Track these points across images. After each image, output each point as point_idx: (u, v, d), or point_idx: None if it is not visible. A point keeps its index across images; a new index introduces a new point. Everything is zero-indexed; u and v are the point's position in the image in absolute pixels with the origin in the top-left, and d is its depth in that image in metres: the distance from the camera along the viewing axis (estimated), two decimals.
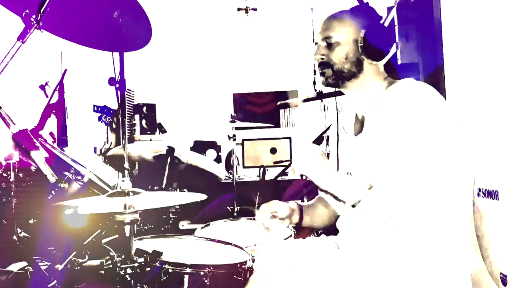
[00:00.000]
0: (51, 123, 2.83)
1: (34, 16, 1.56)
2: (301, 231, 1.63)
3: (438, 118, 1.23)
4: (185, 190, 2.94)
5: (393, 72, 1.44)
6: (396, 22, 2.45)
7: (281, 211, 1.60)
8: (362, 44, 1.38)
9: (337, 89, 1.47)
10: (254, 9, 4.32)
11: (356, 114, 1.50)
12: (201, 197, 1.43)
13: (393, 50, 1.44)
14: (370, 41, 1.38)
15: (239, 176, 4.36)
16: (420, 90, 1.29)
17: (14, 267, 1.80)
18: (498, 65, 1.60)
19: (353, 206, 1.27)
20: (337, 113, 1.59)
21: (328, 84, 1.45)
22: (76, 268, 1.70)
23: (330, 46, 1.41)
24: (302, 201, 1.83)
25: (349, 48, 1.39)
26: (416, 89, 1.30)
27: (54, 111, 2.78)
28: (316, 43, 1.45)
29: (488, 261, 1.69)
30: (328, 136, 3.77)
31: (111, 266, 1.30)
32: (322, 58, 1.42)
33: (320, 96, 3.97)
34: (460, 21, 1.85)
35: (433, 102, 1.26)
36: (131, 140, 4.08)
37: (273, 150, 4.53)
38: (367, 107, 1.44)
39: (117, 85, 2.04)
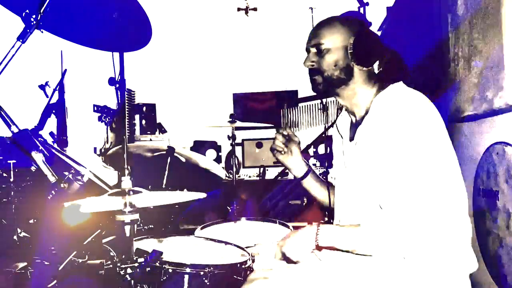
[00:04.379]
0: (51, 123, 2.83)
1: (34, 16, 1.57)
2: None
3: (428, 123, 1.25)
4: (185, 189, 2.94)
5: (388, 76, 1.44)
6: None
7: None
8: (351, 51, 1.38)
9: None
10: (254, 9, 4.32)
11: (351, 120, 1.51)
12: (200, 195, 1.43)
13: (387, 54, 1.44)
14: (360, 48, 1.38)
15: (239, 176, 4.36)
16: (408, 97, 1.30)
17: (14, 267, 1.80)
18: None
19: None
20: (336, 118, 1.61)
21: (318, 91, 1.46)
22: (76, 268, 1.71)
23: (320, 53, 1.42)
24: (302, 201, 1.83)
25: (339, 55, 1.40)
26: (404, 96, 1.31)
27: (54, 111, 2.78)
28: (307, 50, 1.46)
29: (488, 261, 1.69)
30: (327, 137, 3.78)
31: (111, 266, 1.30)
32: (312, 65, 1.43)
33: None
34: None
35: (422, 109, 1.27)
36: (131, 140, 4.07)
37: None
38: (360, 113, 1.45)
39: (117, 85, 2.05)
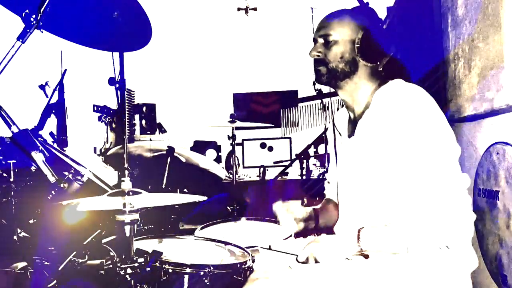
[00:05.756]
0: (51, 123, 2.83)
1: (34, 16, 1.56)
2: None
3: (429, 119, 1.24)
4: (185, 190, 2.94)
5: (391, 73, 1.44)
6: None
7: (298, 212, 1.61)
8: (358, 45, 1.38)
9: (332, 89, 1.48)
10: (254, 9, 4.32)
11: (350, 116, 1.51)
12: (201, 198, 1.43)
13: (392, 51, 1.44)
14: (367, 43, 1.38)
15: (239, 176, 4.35)
16: (409, 92, 1.30)
17: (14, 267, 1.81)
18: None
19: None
20: (333, 115, 1.61)
21: (321, 82, 1.45)
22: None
23: (327, 44, 1.41)
24: (302, 201, 1.82)
25: (346, 48, 1.40)
26: (404, 91, 1.31)
27: (54, 111, 2.79)
28: (314, 40, 1.45)
29: (488, 261, 1.69)
30: (327, 137, 3.77)
31: (111, 266, 1.30)
32: (318, 55, 1.42)
33: (320, 95, 3.98)
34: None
35: (423, 103, 1.27)
36: (131, 140, 4.08)
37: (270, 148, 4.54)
38: (359, 109, 1.45)
39: (117, 85, 2.05)
